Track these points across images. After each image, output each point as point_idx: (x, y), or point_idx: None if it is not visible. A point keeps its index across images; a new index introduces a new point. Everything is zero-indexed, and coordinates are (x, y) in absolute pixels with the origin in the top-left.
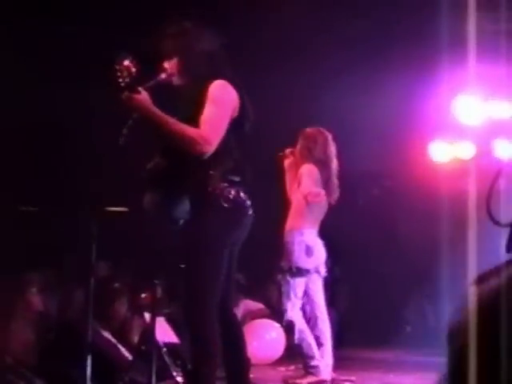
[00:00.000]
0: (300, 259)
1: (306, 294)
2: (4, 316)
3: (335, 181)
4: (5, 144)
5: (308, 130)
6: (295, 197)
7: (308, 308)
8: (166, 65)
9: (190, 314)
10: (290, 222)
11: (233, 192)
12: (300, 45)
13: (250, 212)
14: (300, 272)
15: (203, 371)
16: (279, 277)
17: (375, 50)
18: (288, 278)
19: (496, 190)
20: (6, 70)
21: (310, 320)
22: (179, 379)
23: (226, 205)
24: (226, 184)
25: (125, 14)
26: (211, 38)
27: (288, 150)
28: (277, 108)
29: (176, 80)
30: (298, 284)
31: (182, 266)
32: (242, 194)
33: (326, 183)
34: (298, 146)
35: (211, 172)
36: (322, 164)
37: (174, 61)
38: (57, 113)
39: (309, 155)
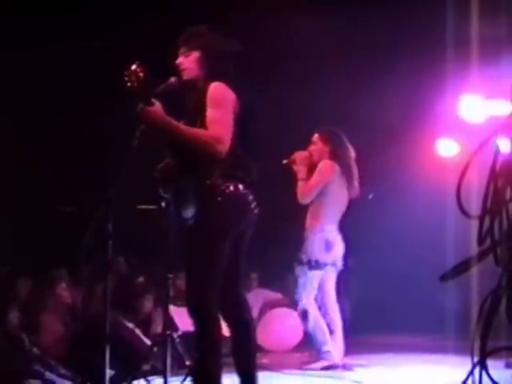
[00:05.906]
0: (319, 254)
1: (318, 283)
2: (35, 310)
3: (356, 177)
4: (45, 150)
5: (324, 131)
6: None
7: (319, 296)
8: (173, 79)
9: (190, 300)
10: (310, 220)
11: (231, 187)
12: (314, 51)
13: (253, 206)
14: (318, 265)
15: (207, 358)
16: (297, 268)
17: (387, 56)
18: (306, 270)
19: (465, 182)
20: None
21: (321, 308)
22: None
23: (219, 198)
24: (224, 179)
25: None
26: (226, 41)
27: (298, 155)
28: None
29: (188, 74)
30: (315, 276)
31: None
32: (241, 189)
33: (348, 180)
34: (316, 147)
35: (215, 168)
36: (342, 162)
37: (194, 55)
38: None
39: (330, 155)
